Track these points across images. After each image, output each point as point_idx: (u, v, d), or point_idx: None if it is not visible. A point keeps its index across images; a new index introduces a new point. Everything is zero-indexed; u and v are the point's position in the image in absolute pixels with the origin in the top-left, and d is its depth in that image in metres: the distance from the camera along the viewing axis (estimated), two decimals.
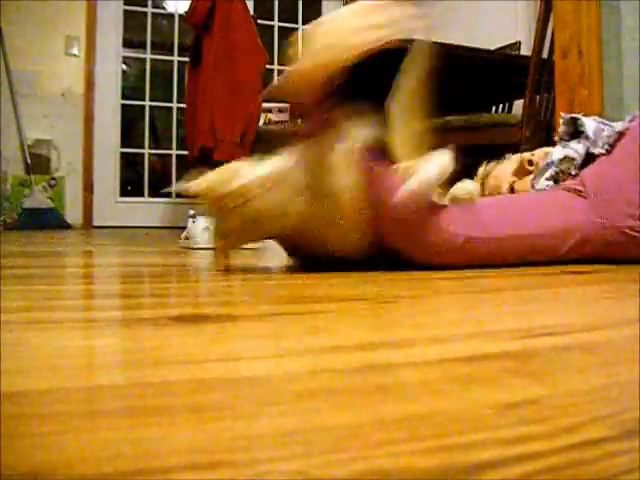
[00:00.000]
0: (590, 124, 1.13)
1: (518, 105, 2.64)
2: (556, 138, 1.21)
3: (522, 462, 0.20)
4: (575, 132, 1.15)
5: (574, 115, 1.17)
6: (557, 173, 1.14)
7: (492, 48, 2.98)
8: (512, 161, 1.37)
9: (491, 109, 3.05)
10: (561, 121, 1.19)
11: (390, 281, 0.83)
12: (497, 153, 3.10)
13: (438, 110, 2.53)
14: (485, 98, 2.97)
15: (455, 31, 4.01)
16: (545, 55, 2.08)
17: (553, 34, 2.06)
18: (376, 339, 0.43)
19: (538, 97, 2.13)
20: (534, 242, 0.99)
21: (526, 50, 2.78)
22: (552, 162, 1.15)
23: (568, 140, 1.16)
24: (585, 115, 1.20)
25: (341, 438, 0.22)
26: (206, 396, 0.28)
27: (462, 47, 2.45)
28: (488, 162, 1.43)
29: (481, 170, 1.43)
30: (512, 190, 1.30)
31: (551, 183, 1.15)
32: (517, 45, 3.11)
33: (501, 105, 3.04)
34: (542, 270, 0.96)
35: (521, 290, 0.75)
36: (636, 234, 0.99)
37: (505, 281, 0.86)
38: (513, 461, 0.20)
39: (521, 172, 1.29)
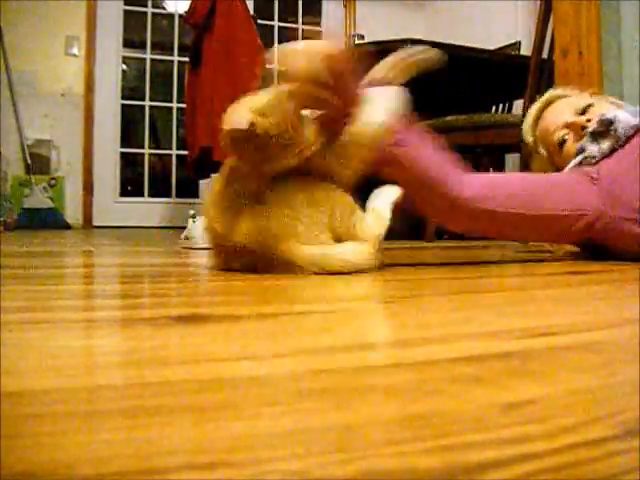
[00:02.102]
0: (624, 123, 1.12)
1: (518, 105, 2.65)
2: (587, 130, 1.18)
3: (522, 462, 0.20)
4: (607, 130, 1.14)
5: (610, 117, 1.14)
6: (581, 161, 1.15)
7: (492, 48, 2.99)
8: (569, 102, 1.28)
9: (491, 109, 3.05)
10: (596, 120, 1.17)
11: (390, 281, 0.83)
12: (497, 153, 3.10)
13: (438, 110, 2.53)
14: (485, 98, 2.97)
15: (455, 31, 4.01)
16: (545, 55, 2.09)
17: (553, 34, 2.06)
18: (376, 339, 0.43)
19: (538, 97, 2.13)
20: (541, 223, 1.01)
21: (526, 50, 2.78)
22: (582, 149, 1.15)
23: (598, 136, 1.14)
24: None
25: (341, 438, 0.22)
26: (206, 396, 0.28)
27: (462, 47, 2.46)
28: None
29: (531, 114, 1.35)
30: (561, 146, 1.23)
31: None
32: (517, 45, 3.11)
33: (501, 105, 3.05)
34: (542, 270, 0.96)
35: (521, 290, 0.75)
36: (636, 228, 1.01)
37: (505, 281, 0.86)
38: (513, 461, 0.20)
39: (574, 128, 1.22)
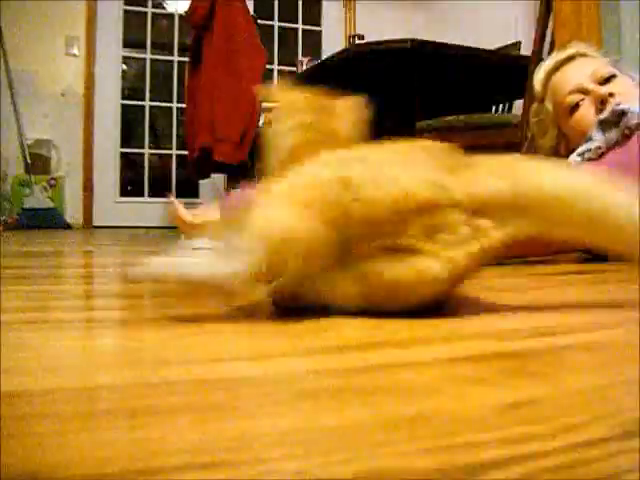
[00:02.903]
0: (632, 115, 1.06)
1: (518, 105, 2.64)
2: (599, 117, 1.10)
3: (522, 462, 0.20)
4: (617, 122, 1.08)
5: (624, 108, 1.08)
6: (584, 152, 1.10)
7: (492, 48, 2.98)
8: (592, 65, 1.17)
9: (491, 109, 3.05)
10: (609, 108, 1.11)
11: None
12: (497, 153, 3.08)
13: (438, 110, 2.53)
14: (485, 98, 2.97)
15: (455, 31, 4.01)
16: (545, 55, 2.09)
17: (553, 34, 2.06)
18: (376, 339, 0.43)
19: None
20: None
21: (526, 50, 2.78)
22: (590, 139, 1.09)
23: (608, 125, 1.09)
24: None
25: (341, 438, 0.22)
26: (206, 396, 0.28)
27: (462, 47, 2.45)
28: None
29: (548, 64, 1.24)
30: (572, 111, 1.15)
31: (579, 159, 1.11)
32: (517, 45, 3.11)
33: (501, 105, 3.04)
34: (542, 270, 0.96)
35: (521, 290, 0.75)
36: None
37: (505, 281, 0.86)
38: (513, 461, 0.20)
39: (594, 97, 1.14)
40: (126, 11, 4.09)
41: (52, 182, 3.82)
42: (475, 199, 0.49)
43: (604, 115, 1.11)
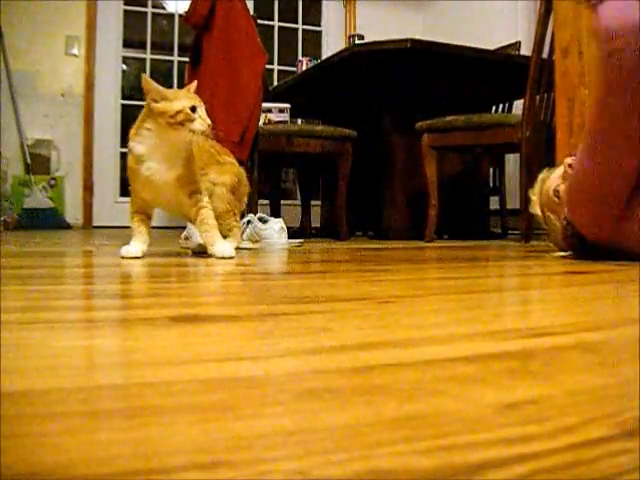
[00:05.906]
0: None
1: (518, 105, 2.64)
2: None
3: (522, 462, 0.20)
4: None
5: None
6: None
7: (492, 48, 2.98)
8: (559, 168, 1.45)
9: (491, 109, 3.05)
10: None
11: (390, 281, 0.83)
12: (497, 153, 3.08)
13: (438, 110, 2.52)
14: (485, 98, 2.97)
15: (455, 31, 4.01)
16: (545, 55, 2.08)
17: (553, 34, 2.06)
18: (376, 339, 0.43)
19: (538, 97, 2.13)
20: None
21: (526, 50, 2.78)
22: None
23: None
24: None
25: (341, 438, 0.22)
26: (206, 396, 0.28)
27: (462, 47, 2.45)
28: (549, 169, 1.53)
29: (541, 175, 1.52)
30: (557, 193, 1.40)
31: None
32: (517, 45, 3.11)
33: (501, 105, 3.04)
34: (542, 270, 0.96)
35: (521, 290, 0.75)
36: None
37: (505, 281, 0.86)
38: (513, 461, 0.20)
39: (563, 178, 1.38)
40: (126, 11, 4.09)
41: (52, 182, 3.82)
42: None
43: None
